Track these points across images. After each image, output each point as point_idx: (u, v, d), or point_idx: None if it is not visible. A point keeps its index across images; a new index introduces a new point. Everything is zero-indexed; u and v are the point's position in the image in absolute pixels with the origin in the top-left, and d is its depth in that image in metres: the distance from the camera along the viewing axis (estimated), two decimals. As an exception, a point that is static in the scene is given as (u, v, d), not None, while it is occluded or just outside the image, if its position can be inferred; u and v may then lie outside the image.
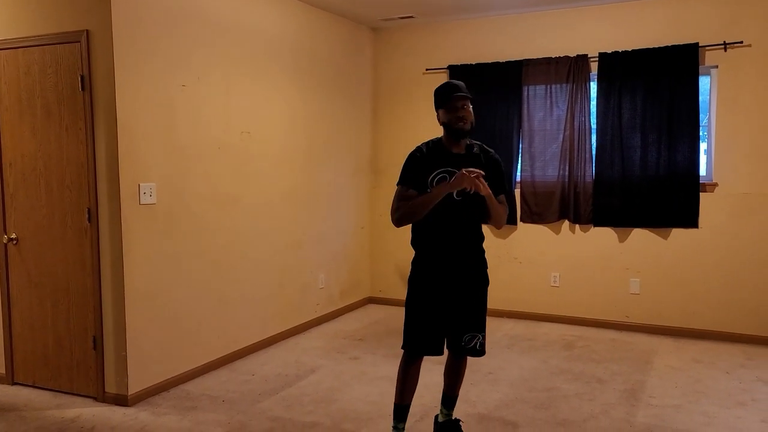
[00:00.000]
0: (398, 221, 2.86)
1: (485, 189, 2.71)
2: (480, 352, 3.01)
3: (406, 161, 2.92)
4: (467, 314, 2.95)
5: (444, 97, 2.84)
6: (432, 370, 3.69)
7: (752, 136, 4.81)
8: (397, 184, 2.90)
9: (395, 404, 3.01)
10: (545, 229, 5.53)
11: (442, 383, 3.20)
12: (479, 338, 2.98)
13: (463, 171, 2.69)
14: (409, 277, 2.98)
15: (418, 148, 2.92)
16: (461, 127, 2.82)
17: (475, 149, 2.93)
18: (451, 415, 3.19)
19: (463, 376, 3.16)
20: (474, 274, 2.96)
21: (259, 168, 4.69)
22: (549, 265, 5.54)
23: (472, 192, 2.74)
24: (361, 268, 6.10)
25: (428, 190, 2.82)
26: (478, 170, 2.70)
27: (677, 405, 3.67)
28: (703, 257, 4.99)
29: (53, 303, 3.86)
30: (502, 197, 2.94)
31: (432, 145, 2.92)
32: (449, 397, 3.17)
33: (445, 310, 2.92)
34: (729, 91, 4.87)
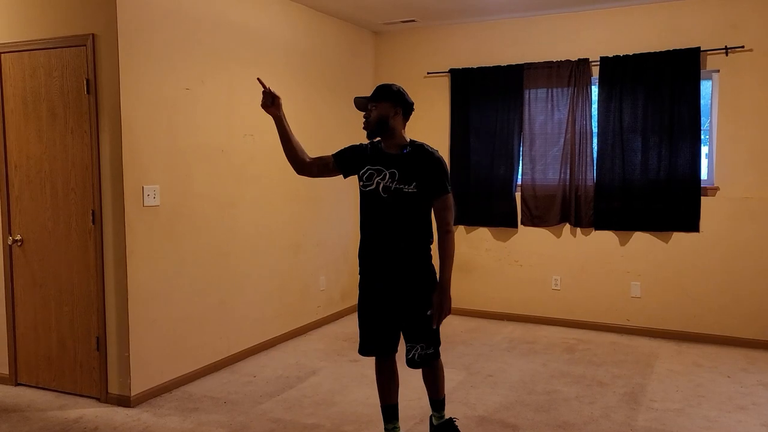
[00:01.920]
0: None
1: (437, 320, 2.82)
2: (419, 363, 2.92)
3: (349, 145, 3.04)
4: (406, 323, 2.91)
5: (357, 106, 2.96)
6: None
7: (753, 141, 4.82)
8: None
9: (380, 406, 3.07)
10: (546, 233, 5.54)
11: None
12: (417, 349, 2.89)
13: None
14: None
15: (363, 143, 3.01)
16: (364, 128, 2.91)
17: (407, 150, 2.87)
18: (443, 416, 3.18)
19: (440, 380, 3.09)
20: (409, 278, 2.86)
21: (262, 170, 4.71)
22: (550, 269, 5.56)
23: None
24: (362, 270, 6.11)
25: (360, 184, 2.91)
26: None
27: (678, 409, 3.68)
28: (704, 261, 5.00)
29: (57, 304, 3.88)
30: (442, 199, 2.85)
31: (373, 144, 2.98)
32: (433, 401, 3.15)
33: (381, 313, 2.92)
34: (730, 95, 4.88)
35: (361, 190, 2.94)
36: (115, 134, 3.60)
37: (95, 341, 3.77)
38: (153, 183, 3.78)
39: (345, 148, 3.04)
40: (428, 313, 2.83)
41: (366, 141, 3.01)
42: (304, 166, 2.98)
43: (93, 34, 3.59)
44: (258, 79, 2.90)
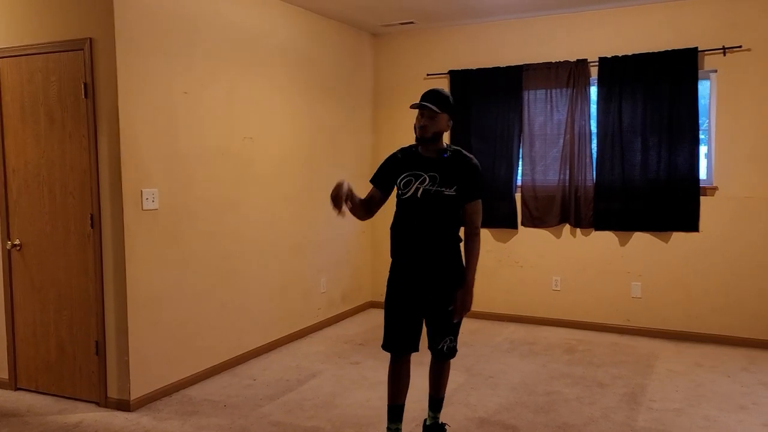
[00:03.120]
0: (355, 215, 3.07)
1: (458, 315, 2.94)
2: (447, 355, 3.06)
3: (382, 162, 3.11)
4: (436, 317, 3.00)
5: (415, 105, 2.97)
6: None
7: (752, 140, 4.82)
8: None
9: (387, 404, 3.08)
10: (546, 233, 5.54)
11: None
12: (447, 341, 3.03)
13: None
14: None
15: (395, 152, 3.08)
16: (418, 134, 2.94)
17: (447, 154, 2.96)
18: (438, 418, 3.21)
19: (446, 378, 3.18)
20: (442, 276, 2.96)
21: (261, 173, 4.71)
22: (550, 269, 5.55)
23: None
24: (362, 272, 6.11)
25: (398, 192, 3.00)
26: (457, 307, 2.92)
27: (678, 409, 3.67)
28: (704, 261, 5.00)
29: (56, 308, 3.88)
30: (475, 203, 2.97)
31: (407, 149, 3.05)
32: (433, 400, 3.20)
33: (411, 310, 2.97)
34: (728, 95, 4.88)
35: (398, 197, 3.01)
36: (113, 138, 3.60)
37: (94, 345, 3.77)
38: (152, 186, 3.78)
39: (378, 172, 3.10)
40: (449, 308, 2.93)
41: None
42: (368, 216, 3.12)
43: (90, 38, 3.59)
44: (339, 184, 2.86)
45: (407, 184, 2.94)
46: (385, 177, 3.06)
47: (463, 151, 3.02)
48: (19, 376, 4.05)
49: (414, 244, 2.96)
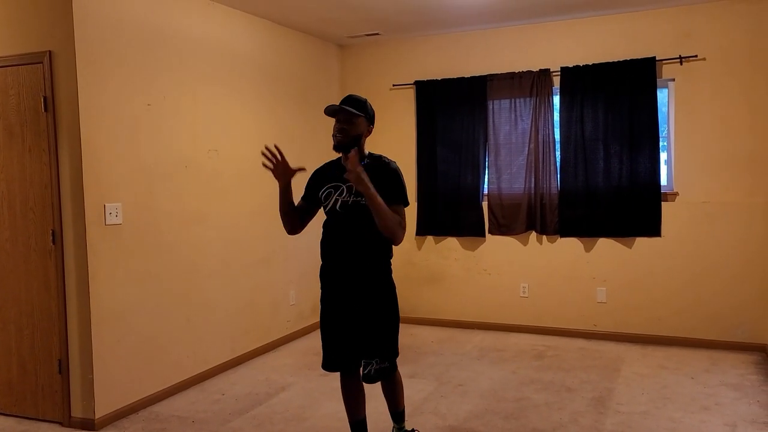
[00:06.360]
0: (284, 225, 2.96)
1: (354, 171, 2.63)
2: (375, 378, 2.86)
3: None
4: (362, 337, 2.85)
5: (330, 109, 2.84)
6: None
7: (709, 146, 4.96)
8: None
9: (349, 422, 3.05)
10: (513, 241, 5.61)
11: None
12: (373, 364, 2.83)
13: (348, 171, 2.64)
14: None
15: (320, 166, 3.00)
16: (335, 141, 2.83)
17: (365, 161, 2.84)
18: (403, 428, 3.18)
19: (397, 391, 3.07)
20: (369, 293, 2.84)
21: (227, 185, 4.68)
22: (518, 276, 5.61)
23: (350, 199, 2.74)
24: (332, 283, 6.09)
25: (323, 205, 2.91)
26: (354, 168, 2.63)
27: (644, 411, 3.74)
28: (667, 265, 5.11)
29: (17, 327, 3.78)
30: (396, 208, 2.77)
31: (330, 162, 2.99)
32: (393, 413, 3.14)
33: (342, 327, 2.87)
34: (686, 103, 5.02)
35: (324, 210, 2.93)
36: (74, 152, 3.54)
37: (57, 364, 3.68)
38: (115, 201, 3.73)
39: (307, 185, 3.00)
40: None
41: (323, 160, 2.97)
42: (297, 228, 2.96)
43: (50, 51, 3.54)
44: (269, 148, 2.78)
45: (328, 197, 2.87)
46: (309, 189, 2.95)
47: (384, 157, 2.92)
48: (-22, 397, 3.93)
49: (338, 257, 2.87)
